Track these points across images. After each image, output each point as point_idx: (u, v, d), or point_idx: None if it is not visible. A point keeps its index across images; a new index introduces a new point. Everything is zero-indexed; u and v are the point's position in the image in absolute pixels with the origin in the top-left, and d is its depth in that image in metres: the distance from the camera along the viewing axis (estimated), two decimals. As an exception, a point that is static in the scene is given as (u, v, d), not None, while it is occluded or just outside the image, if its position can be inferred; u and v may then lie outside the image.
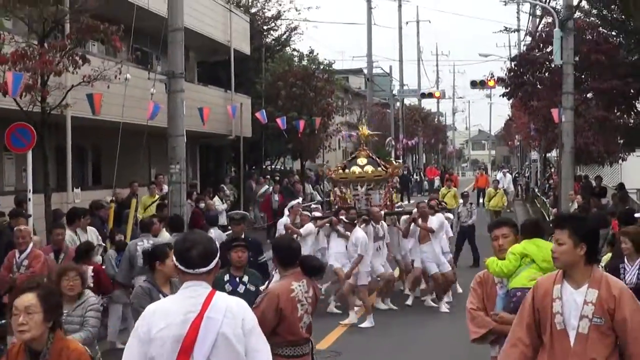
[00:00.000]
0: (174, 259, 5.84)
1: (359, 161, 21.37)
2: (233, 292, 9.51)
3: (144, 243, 14.40)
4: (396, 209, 22.07)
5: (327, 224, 19.28)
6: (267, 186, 34.46)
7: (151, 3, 26.91)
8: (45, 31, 17.99)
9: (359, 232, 18.13)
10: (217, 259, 5.83)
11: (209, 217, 19.96)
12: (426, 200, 21.48)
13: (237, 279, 10.27)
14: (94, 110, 20.12)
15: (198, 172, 38.14)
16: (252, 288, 10.19)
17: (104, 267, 14.85)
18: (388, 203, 21.22)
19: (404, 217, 20.61)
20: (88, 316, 9.69)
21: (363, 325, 17.08)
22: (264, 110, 33.73)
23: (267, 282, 9.92)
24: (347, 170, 21.32)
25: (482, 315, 8.08)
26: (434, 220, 19.44)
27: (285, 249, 8.57)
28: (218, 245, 5.95)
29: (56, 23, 18.23)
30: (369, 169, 21.05)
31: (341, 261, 18.41)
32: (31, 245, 13.23)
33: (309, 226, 19.48)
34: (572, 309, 6.21)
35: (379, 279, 18.98)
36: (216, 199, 29.89)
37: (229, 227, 16.95)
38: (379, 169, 21.13)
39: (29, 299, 5.93)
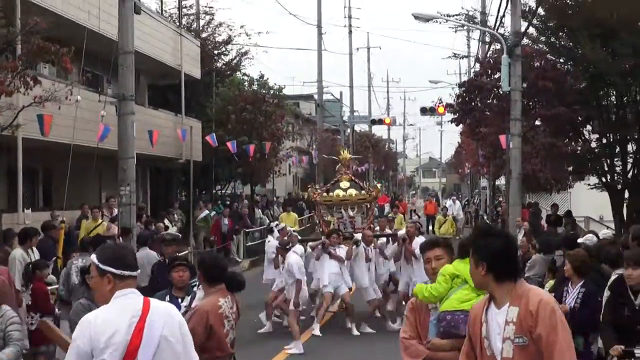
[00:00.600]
0: (110, 268, 5.76)
1: (342, 184, 21.92)
2: None
3: (79, 262, 14.62)
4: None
5: (320, 246, 19.59)
6: (206, 211, 34.49)
7: (102, 26, 26.96)
8: (-5, 51, 18.04)
9: (292, 257, 18.38)
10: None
11: (141, 237, 20.06)
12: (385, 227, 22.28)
13: (179, 300, 10.06)
14: (43, 132, 20.18)
15: (148, 196, 38.08)
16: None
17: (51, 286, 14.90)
18: (372, 226, 21.72)
19: (382, 240, 21.14)
20: (10, 330, 9.30)
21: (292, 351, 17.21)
22: (214, 134, 33.88)
23: (189, 299, 9.74)
24: (331, 194, 21.82)
25: (415, 343, 7.47)
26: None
27: (212, 266, 8.57)
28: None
29: (7, 44, 18.24)
30: (352, 192, 21.59)
31: (336, 282, 18.99)
32: None
33: (299, 247, 19.78)
34: (495, 331, 5.72)
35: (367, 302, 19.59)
36: (166, 221, 29.92)
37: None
38: (362, 192, 21.71)
39: None
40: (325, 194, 22.02)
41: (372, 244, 20.17)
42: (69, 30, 24.20)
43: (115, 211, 23.47)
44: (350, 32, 69.61)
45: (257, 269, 32.17)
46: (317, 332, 18.74)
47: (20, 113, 18.74)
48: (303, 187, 69.25)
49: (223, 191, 47.07)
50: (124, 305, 5.68)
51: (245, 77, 44.83)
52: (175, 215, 32.86)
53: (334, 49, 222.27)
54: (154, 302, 5.81)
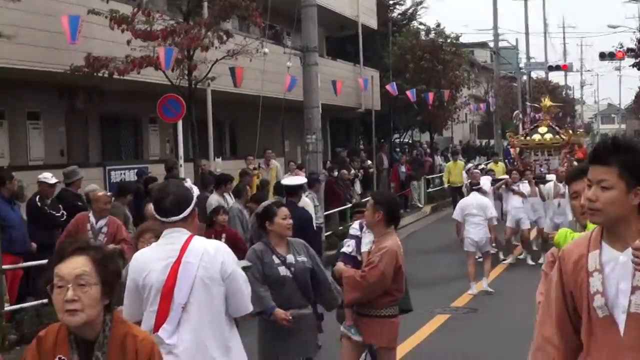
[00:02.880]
0: (153, 209, 6.06)
1: (540, 129, 23.84)
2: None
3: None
4: None
5: (503, 185, 21.70)
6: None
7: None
8: (189, 8, 19.03)
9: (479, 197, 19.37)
10: (191, 207, 5.96)
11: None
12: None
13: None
14: (235, 83, 21.23)
15: (329, 145, 39.04)
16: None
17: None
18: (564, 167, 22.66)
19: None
20: None
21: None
22: (394, 83, 34.42)
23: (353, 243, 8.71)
24: (528, 138, 23.89)
25: None
26: None
27: (394, 205, 8.45)
28: (195, 194, 6.10)
29: (199, 0, 19.25)
30: (548, 136, 23.42)
31: (519, 215, 20.89)
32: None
33: (487, 183, 21.55)
34: (618, 281, 4.11)
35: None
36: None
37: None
38: (557, 137, 23.46)
39: (80, 264, 4.06)
40: (523, 137, 24.21)
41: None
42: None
43: (273, 163, 24.22)
44: (525, -23, 68.75)
45: (439, 214, 32.85)
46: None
47: (213, 66, 19.62)
48: (480, 134, 69.29)
49: (401, 139, 47.63)
50: (166, 245, 5.89)
51: (422, 26, 45.14)
52: (356, 164, 33.67)
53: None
54: (194, 242, 5.86)
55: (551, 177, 21.69)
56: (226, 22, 23.27)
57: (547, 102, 25.22)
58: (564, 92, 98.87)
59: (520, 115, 62.18)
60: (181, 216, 5.91)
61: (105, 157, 23.87)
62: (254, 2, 19.06)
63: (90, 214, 12.86)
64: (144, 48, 17.77)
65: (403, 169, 35.04)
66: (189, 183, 6.14)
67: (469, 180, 21.45)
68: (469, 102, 48.99)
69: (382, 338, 8.25)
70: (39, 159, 21.19)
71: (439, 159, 43.58)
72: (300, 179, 15.03)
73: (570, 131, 26.36)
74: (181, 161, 17.92)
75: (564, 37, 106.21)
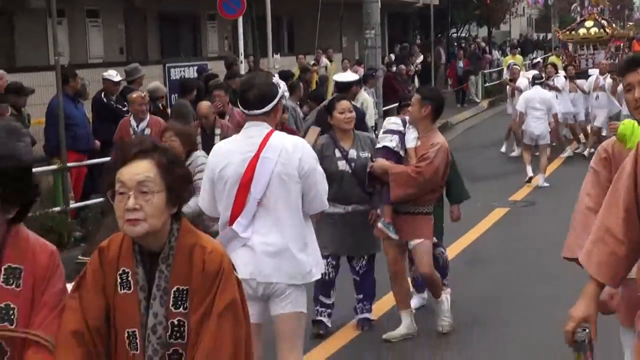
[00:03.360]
0: (238, 102, 6.04)
1: (587, 23, 24.02)
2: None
3: None
4: None
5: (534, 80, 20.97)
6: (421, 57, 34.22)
7: None
8: None
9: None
10: (274, 102, 5.89)
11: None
12: None
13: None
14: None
15: (386, 40, 38.79)
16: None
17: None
18: (608, 62, 22.25)
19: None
20: (196, 179, 7.72)
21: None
22: (453, -24, 33.96)
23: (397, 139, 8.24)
24: (574, 32, 24.05)
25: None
26: None
27: (441, 101, 8.28)
28: (281, 90, 6.07)
29: None
30: (594, 31, 23.47)
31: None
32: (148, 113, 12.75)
33: (523, 80, 21.01)
34: None
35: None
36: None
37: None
38: (601, 30, 23.44)
39: (143, 169, 3.64)
40: (568, 32, 24.29)
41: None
42: None
43: (324, 61, 24.08)
44: None
45: (496, 109, 32.66)
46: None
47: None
48: (537, 28, 68.31)
49: (458, 34, 47.16)
50: (246, 138, 5.89)
51: None
52: (414, 58, 33.50)
53: None
54: (273, 138, 5.84)
55: (594, 71, 21.45)
56: None
57: None
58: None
59: (579, 8, 61.25)
60: (263, 110, 5.86)
61: (164, 55, 23.98)
62: None
63: (131, 118, 12.59)
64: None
65: (461, 64, 34.80)
66: (276, 78, 6.10)
67: (548, 75, 20.94)
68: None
69: (422, 233, 8.11)
70: (98, 56, 21.36)
71: (496, 54, 43.15)
72: (352, 75, 14.49)
73: (614, 25, 26.34)
74: (241, 57, 17.93)
75: None
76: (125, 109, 14.56)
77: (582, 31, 23.62)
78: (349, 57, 32.43)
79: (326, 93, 20.36)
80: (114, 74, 14.78)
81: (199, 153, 8.75)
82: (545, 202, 15.75)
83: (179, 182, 3.71)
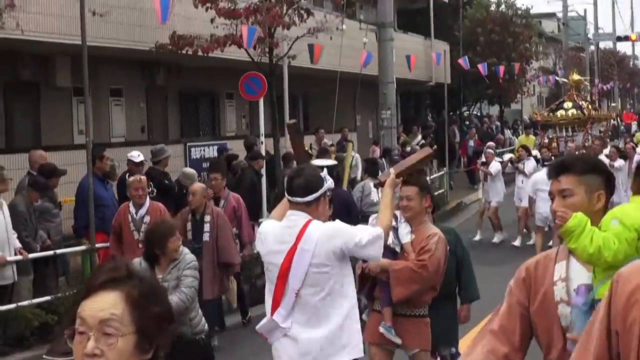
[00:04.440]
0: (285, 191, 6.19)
1: (565, 105, 23.12)
2: None
3: None
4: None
5: (509, 163, 21.06)
6: (419, 137, 34.03)
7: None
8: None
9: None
10: (317, 193, 5.98)
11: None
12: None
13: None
14: (312, 60, 21.41)
15: (399, 118, 39.08)
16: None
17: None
18: (586, 144, 22.26)
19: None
20: (185, 275, 8.22)
21: None
22: (466, 57, 34.30)
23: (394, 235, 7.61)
24: (550, 114, 23.24)
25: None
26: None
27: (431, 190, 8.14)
28: (326, 185, 6.07)
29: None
30: (572, 112, 22.62)
31: (520, 194, 20.25)
32: (148, 198, 12.19)
33: (495, 165, 20.86)
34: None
35: None
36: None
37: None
38: (579, 112, 22.65)
39: (109, 304, 2.76)
40: (546, 114, 23.80)
41: None
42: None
43: (325, 140, 24.14)
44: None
45: (509, 189, 32.62)
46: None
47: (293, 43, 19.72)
48: (547, 106, 68.82)
49: (470, 112, 47.50)
50: (285, 227, 6.02)
51: (493, -1, 44.89)
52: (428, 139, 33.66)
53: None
54: (310, 228, 5.92)
55: None
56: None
57: (574, 76, 24.66)
58: (631, 62, 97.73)
59: (588, 87, 61.79)
60: (305, 199, 5.98)
61: (183, 133, 24.22)
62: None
63: (130, 203, 11.99)
64: (226, 26, 17.99)
65: (471, 142, 34.82)
66: (324, 173, 6.24)
67: (519, 157, 20.98)
68: (538, 75, 48.68)
69: (422, 340, 7.59)
70: (120, 135, 21.57)
71: (508, 133, 43.45)
72: (328, 161, 13.90)
73: (590, 106, 25.29)
74: (262, 138, 18.13)
75: (631, 6, 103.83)
76: (149, 190, 14.74)
77: (560, 113, 23.09)
78: (362, 136, 32.82)
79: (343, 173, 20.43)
80: (135, 155, 14.89)
81: (186, 250, 8.52)
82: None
83: (153, 324, 2.81)
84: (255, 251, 13.80)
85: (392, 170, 6.71)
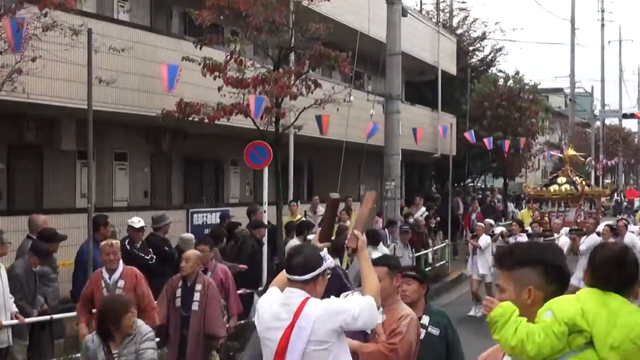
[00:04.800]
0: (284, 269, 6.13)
1: (559, 180, 23.16)
2: None
3: None
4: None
5: (500, 237, 20.61)
6: (423, 209, 33.48)
7: (371, 29, 28.20)
8: (281, 57, 19.27)
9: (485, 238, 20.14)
10: (316, 272, 5.93)
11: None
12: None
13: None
14: (321, 130, 21.50)
15: (403, 189, 39.08)
16: (436, 332, 7.70)
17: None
18: (578, 220, 22.10)
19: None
20: (144, 348, 8.18)
21: None
22: (472, 131, 34.30)
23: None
24: (544, 189, 23.20)
25: None
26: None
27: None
28: (326, 264, 6.02)
29: (290, 49, 19.46)
30: (565, 188, 22.62)
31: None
32: (121, 263, 11.60)
33: (485, 238, 20.68)
34: None
35: None
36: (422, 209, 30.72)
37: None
38: (572, 187, 22.58)
39: None
40: (539, 188, 23.66)
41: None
42: (339, 33, 25.40)
43: (320, 210, 23.93)
44: (602, 25, 68.64)
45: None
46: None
47: (300, 114, 19.73)
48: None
49: (474, 184, 47.50)
50: (283, 304, 5.94)
51: (501, 74, 45.11)
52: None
53: (585, 42, 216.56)
54: (308, 306, 5.87)
55: (564, 230, 20.50)
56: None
57: (569, 151, 24.49)
58: (636, 139, 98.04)
59: (593, 162, 61.89)
60: (303, 277, 5.93)
61: (187, 199, 24.19)
62: (344, 53, 19.21)
63: (103, 269, 11.48)
64: (234, 95, 18.02)
65: (474, 215, 34.60)
66: (324, 252, 6.19)
67: (510, 232, 20.90)
68: (544, 150, 48.79)
69: None
70: (123, 199, 21.54)
71: (511, 206, 43.40)
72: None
73: (584, 182, 25.15)
74: (265, 207, 18.06)
75: (638, 84, 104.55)
76: (148, 257, 14.67)
77: (553, 187, 23.00)
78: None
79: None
80: (136, 221, 14.82)
81: (140, 322, 8.40)
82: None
83: None
84: (242, 321, 13.82)
85: (356, 232, 6.45)
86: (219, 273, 12.81)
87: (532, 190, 24.19)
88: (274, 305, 6.03)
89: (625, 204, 63.82)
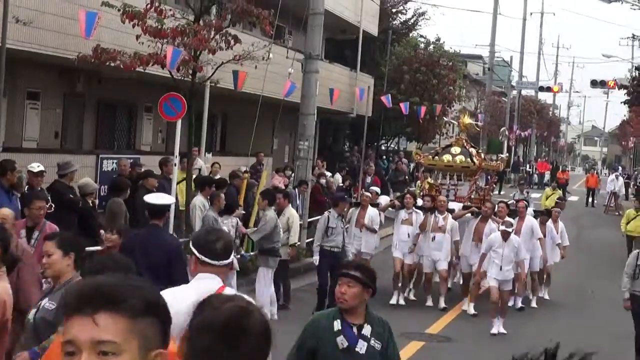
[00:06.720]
0: (195, 251, 5.88)
1: (453, 150, 20.67)
2: (348, 352, 6.73)
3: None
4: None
5: (390, 208, 19.64)
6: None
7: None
8: (202, 9, 19.10)
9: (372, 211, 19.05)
10: (233, 254, 6.03)
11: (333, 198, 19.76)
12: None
13: (354, 329, 6.83)
14: (236, 86, 21.38)
15: (316, 147, 39.12)
16: (378, 346, 6.83)
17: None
18: (472, 196, 20.34)
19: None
20: None
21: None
22: (389, 95, 34.35)
23: None
24: (436, 158, 20.71)
25: None
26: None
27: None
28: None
29: (213, 2, 19.30)
30: (460, 158, 20.27)
31: (402, 249, 18.75)
32: None
33: (384, 198, 20.83)
34: None
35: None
36: (337, 175, 30.79)
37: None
38: (468, 160, 20.30)
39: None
40: (431, 157, 20.96)
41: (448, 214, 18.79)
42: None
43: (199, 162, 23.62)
44: (526, -4, 69.20)
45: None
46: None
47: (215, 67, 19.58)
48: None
49: (387, 145, 47.67)
50: (197, 289, 5.69)
51: (422, 39, 45.29)
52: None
53: (508, 12, 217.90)
54: (227, 292, 5.67)
55: (455, 205, 19.28)
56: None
57: (465, 119, 22.25)
58: (551, 112, 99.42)
59: (507, 132, 62.66)
60: (228, 261, 5.94)
61: (98, 143, 23.93)
62: (266, 11, 19.09)
63: None
64: (152, 43, 17.84)
65: (368, 179, 32.10)
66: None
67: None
68: (459, 117, 49.22)
69: None
70: (33, 139, 21.21)
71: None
72: (167, 198, 12.24)
73: (483, 155, 23.21)
74: (176, 159, 17.96)
75: (557, 57, 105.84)
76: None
77: (446, 157, 20.27)
78: (278, 160, 32.78)
79: (255, 200, 20.18)
80: (35, 166, 14.63)
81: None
82: (463, 337, 15.94)
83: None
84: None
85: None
86: (47, 232, 10.23)
87: (422, 157, 21.18)
88: (184, 291, 5.77)
89: (535, 176, 64.90)
